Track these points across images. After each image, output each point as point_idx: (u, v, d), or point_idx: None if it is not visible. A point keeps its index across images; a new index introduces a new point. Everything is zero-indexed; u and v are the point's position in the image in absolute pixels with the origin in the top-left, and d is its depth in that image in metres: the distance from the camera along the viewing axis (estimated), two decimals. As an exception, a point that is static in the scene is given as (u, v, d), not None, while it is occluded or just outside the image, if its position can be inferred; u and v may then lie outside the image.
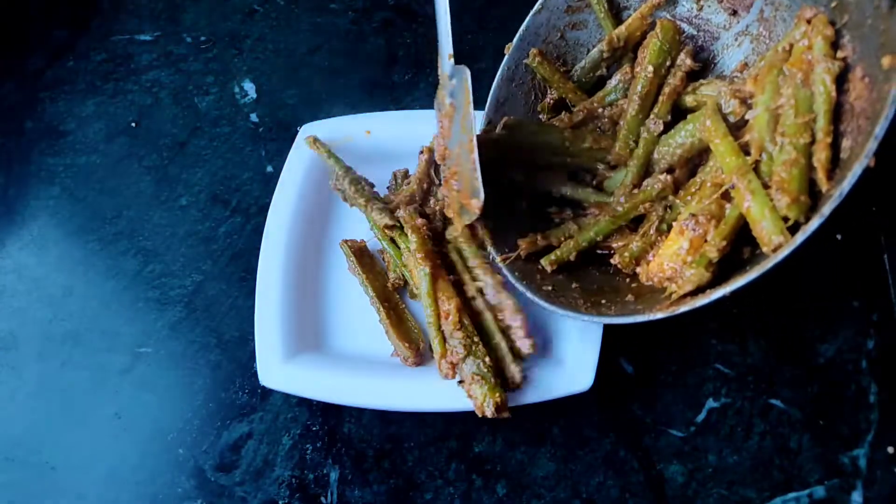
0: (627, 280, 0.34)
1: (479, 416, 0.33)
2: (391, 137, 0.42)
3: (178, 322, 0.40)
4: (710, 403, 0.37)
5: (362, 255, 0.39)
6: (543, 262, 0.34)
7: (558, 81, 0.39)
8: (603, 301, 0.32)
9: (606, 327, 0.36)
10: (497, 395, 0.32)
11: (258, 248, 0.39)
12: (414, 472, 0.36)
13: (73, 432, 0.38)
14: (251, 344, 0.38)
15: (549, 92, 0.40)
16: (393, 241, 0.39)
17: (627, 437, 0.37)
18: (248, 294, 0.41)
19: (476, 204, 0.33)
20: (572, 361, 0.35)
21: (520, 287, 0.34)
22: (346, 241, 0.39)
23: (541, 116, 0.40)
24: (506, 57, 0.39)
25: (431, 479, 0.36)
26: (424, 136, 0.42)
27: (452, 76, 0.34)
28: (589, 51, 0.39)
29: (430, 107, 0.45)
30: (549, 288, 0.34)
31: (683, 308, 0.27)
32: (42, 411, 0.38)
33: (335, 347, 0.38)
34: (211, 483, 0.36)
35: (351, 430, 0.37)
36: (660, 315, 0.28)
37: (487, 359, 0.33)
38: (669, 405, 0.37)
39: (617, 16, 0.39)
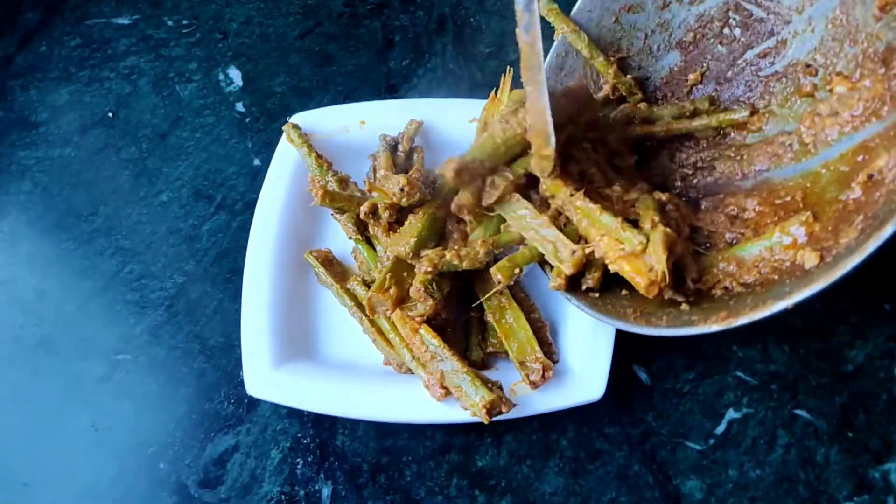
0: (683, 285, 0.33)
1: (485, 422, 0.33)
2: (388, 128, 0.42)
3: (159, 327, 0.41)
4: (731, 414, 0.37)
5: (331, 265, 0.39)
6: (588, 281, 0.34)
7: (614, 75, 0.39)
8: (654, 311, 0.32)
9: (618, 332, 0.36)
10: (481, 398, 0.32)
11: (244, 248, 0.39)
12: (412, 488, 0.36)
13: (46, 445, 0.38)
14: (237, 350, 0.39)
15: (601, 83, 0.40)
16: (369, 241, 0.39)
17: (642, 449, 0.37)
18: (233, 297, 0.41)
19: (548, 152, 0.32)
20: (582, 369, 0.35)
21: (563, 294, 0.34)
22: (311, 253, 0.39)
23: None
24: (555, 43, 0.39)
25: (431, 495, 0.36)
26: (426, 127, 0.42)
27: (526, 7, 0.32)
28: (647, 35, 0.39)
29: (430, 95, 0.47)
30: (596, 294, 0.34)
31: (742, 320, 0.27)
32: (12, 423, 0.39)
33: (327, 354, 0.38)
34: (194, 500, 0.36)
35: (344, 442, 0.37)
36: (715, 327, 0.28)
37: (459, 363, 0.34)
38: (686, 416, 0.37)
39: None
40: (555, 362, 0.36)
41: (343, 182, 0.40)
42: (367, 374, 0.37)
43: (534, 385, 0.34)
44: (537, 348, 0.35)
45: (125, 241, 0.43)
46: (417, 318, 0.35)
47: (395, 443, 0.37)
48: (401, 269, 0.35)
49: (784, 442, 0.37)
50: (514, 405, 0.34)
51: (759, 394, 0.38)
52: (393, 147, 0.41)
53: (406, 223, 0.36)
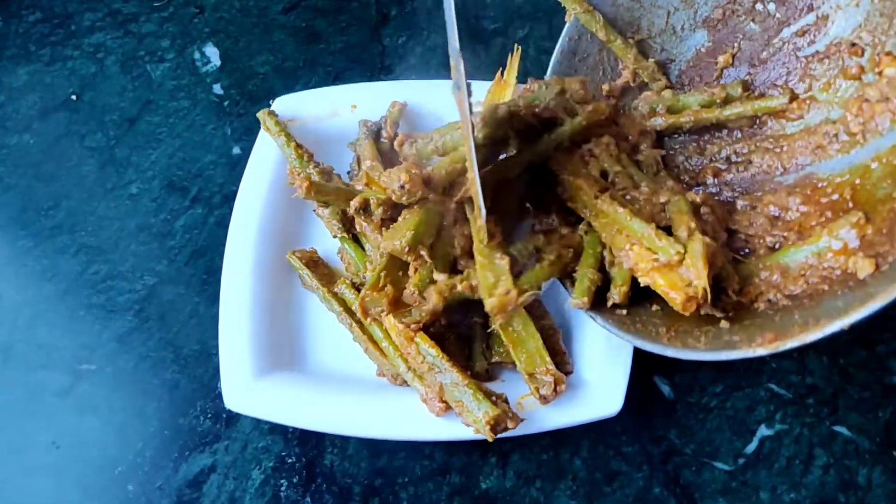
0: (721, 296, 0.32)
1: (489, 439, 0.32)
2: (382, 113, 0.41)
3: (128, 333, 0.40)
4: (763, 431, 0.37)
5: (316, 266, 0.38)
6: (615, 296, 0.32)
7: (634, 59, 0.38)
8: (689, 329, 0.30)
9: None
10: (485, 413, 0.31)
11: (223, 245, 0.38)
12: (409, 513, 0.36)
13: (4, 464, 0.37)
14: (215, 360, 0.38)
15: (620, 68, 0.39)
16: (356, 239, 0.38)
17: (664, 470, 0.36)
18: (210, 300, 0.40)
19: (480, 223, 0.32)
20: (598, 380, 0.34)
21: (587, 313, 0.33)
22: (294, 253, 0.38)
23: (606, 99, 0.39)
24: (567, 25, 0.39)
25: (430, 520, 0.35)
26: (423, 112, 0.41)
27: (457, 64, 0.32)
28: (669, 13, 0.38)
29: (429, 76, 0.46)
30: (623, 312, 0.33)
31: (792, 343, 0.26)
32: (-35, 440, 0.38)
33: (315, 364, 0.37)
34: (167, 526, 0.36)
35: (333, 462, 0.36)
36: (762, 351, 0.27)
37: (459, 375, 0.32)
38: (714, 433, 0.37)
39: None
40: (568, 373, 0.35)
41: (326, 174, 0.39)
42: (358, 386, 0.36)
43: (544, 400, 0.33)
44: (548, 359, 0.34)
45: (90, 238, 0.42)
46: (413, 326, 0.33)
47: (390, 462, 0.36)
48: (396, 268, 0.34)
49: (822, 462, 0.36)
50: (522, 420, 0.32)
51: (794, 408, 0.37)
52: (375, 133, 0.40)
53: (400, 218, 0.35)
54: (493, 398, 0.33)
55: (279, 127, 0.39)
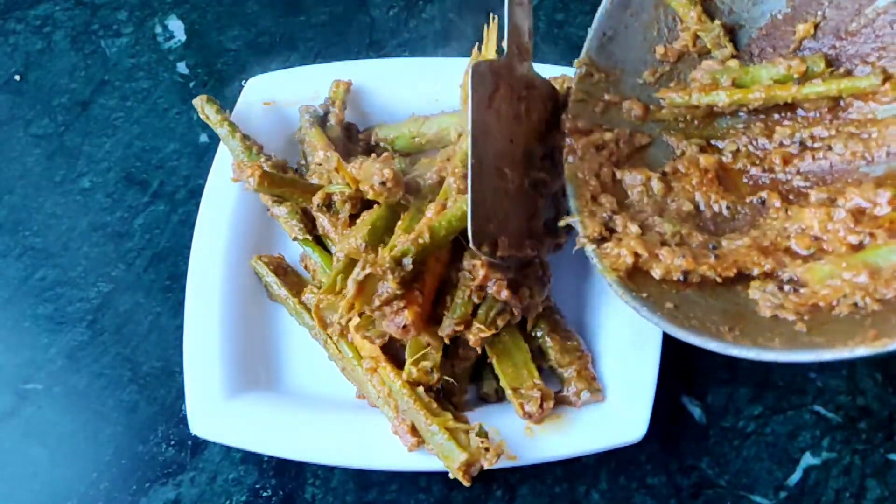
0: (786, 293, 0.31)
1: (465, 484, 0.32)
2: (371, 93, 0.42)
3: (79, 348, 0.40)
4: (808, 459, 0.37)
5: (286, 274, 0.38)
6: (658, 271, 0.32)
7: (697, 19, 0.37)
8: (758, 329, 0.30)
9: (664, 356, 0.35)
10: (457, 458, 0.32)
11: (188, 248, 0.38)
12: (402, 555, 0.35)
13: None
14: (179, 378, 0.38)
15: (679, 29, 0.38)
16: (319, 241, 0.38)
17: None
18: (174, 310, 0.40)
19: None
20: (619, 402, 0.34)
21: (628, 301, 0.32)
22: (260, 258, 0.38)
23: (660, 63, 0.38)
24: None
25: (426, 563, 0.35)
26: (415, 94, 0.41)
27: None
28: None
29: (424, 53, 0.46)
30: (672, 305, 0.32)
31: None
32: None
33: (292, 384, 0.37)
34: (124, 570, 0.36)
35: (315, 495, 0.36)
36: (862, 350, 0.26)
37: (424, 415, 0.33)
38: (751, 462, 0.37)
39: None
40: (600, 400, 0.35)
41: (279, 168, 0.39)
42: (342, 408, 0.36)
43: (529, 417, 0.33)
44: (536, 373, 0.34)
45: (36, 238, 0.43)
46: (378, 340, 0.34)
47: (381, 496, 0.36)
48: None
49: (876, 495, 0.36)
50: (500, 455, 0.32)
51: (843, 434, 0.37)
52: (321, 119, 0.40)
53: (360, 219, 0.35)
54: (465, 433, 0.33)
55: (220, 115, 0.39)
